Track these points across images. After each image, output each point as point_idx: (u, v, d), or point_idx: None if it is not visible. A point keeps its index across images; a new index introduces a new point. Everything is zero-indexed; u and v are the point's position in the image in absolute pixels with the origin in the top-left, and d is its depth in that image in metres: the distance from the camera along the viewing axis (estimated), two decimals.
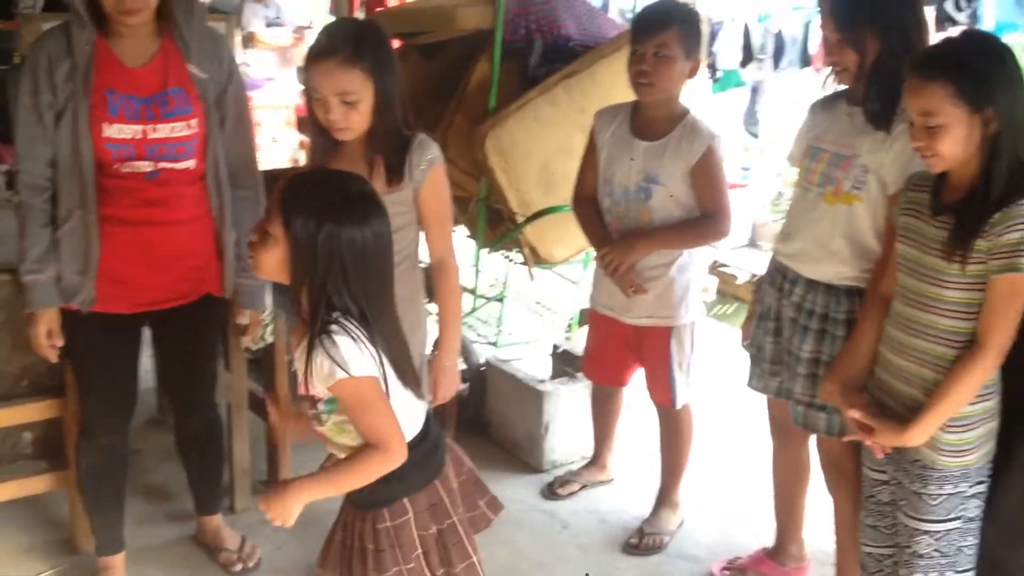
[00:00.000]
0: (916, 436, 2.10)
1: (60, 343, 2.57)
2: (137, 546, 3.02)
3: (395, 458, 1.89)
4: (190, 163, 2.57)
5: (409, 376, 1.97)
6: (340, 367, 1.80)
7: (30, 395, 2.84)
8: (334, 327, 1.82)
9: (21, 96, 2.47)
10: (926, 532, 2.16)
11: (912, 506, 2.17)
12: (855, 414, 2.19)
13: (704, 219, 2.93)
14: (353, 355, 1.82)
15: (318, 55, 2.31)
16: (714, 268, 5.92)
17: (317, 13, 9.26)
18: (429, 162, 2.43)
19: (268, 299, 3.07)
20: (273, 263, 1.87)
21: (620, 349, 3.17)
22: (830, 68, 2.52)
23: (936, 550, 2.16)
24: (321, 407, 1.91)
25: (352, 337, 1.82)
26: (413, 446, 1.97)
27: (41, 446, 2.95)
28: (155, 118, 2.50)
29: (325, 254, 1.80)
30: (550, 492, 3.48)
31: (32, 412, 2.86)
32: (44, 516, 3.19)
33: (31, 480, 2.92)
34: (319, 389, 1.87)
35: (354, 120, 2.34)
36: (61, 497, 3.09)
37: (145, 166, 2.51)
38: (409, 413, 1.98)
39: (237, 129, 2.70)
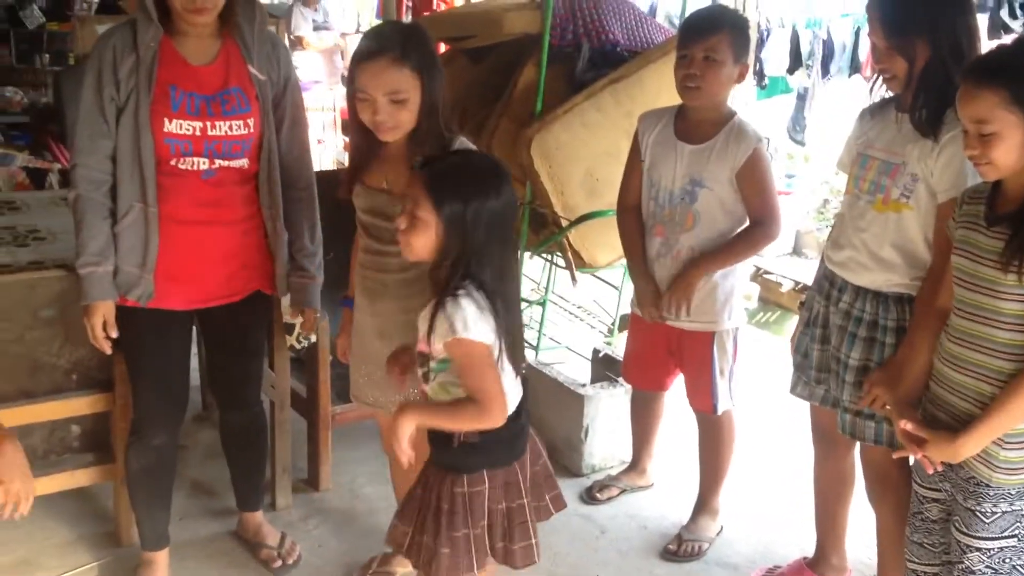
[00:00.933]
0: (968, 449, 2.06)
1: (115, 335, 2.61)
2: (179, 541, 3.05)
3: (493, 418, 2.04)
4: (244, 162, 2.62)
5: (518, 351, 2.14)
6: (460, 327, 1.96)
7: (79, 389, 2.88)
8: (461, 292, 1.99)
9: (84, 91, 2.51)
10: (979, 549, 2.11)
11: (965, 523, 2.13)
12: (907, 425, 2.16)
13: (752, 228, 2.92)
14: (474, 319, 1.98)
15: (366, 56, 2.34)
16: (757, 275, 5.87)
17: (364, 17, 9.35)
18: None
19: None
20: (426, 245, 2.04)
21: (661, 354, 3.15)
22: (879, 75, 2.50)
23: (988, 567, 2.12)
24: (433, 364, 2.06)
25: (476, 302, 1.99)
26: (505, 424, 2.09)
27: (89, 439, 3.00)
28: (214, 115, 2.55)
29: (472, 228, 1.99)
30: (589, 496, 3.47)
31: (81, 406, 2.90)
32: (90, 509, 3.23)
33: (78, 473, 2.97)
34: (437, 346, 2.02)
35: (402, 119, 2.36)
36: (107, 490, 3.14)
37: (202, 162, 2.56)
38: (510, 388, 2.11)
39: (293, 131, 2.75)
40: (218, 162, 2.57)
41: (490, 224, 2.00)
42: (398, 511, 2.25)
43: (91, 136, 2.52)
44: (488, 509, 2.13)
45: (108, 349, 2.63)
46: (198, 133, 2.53)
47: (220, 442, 3.07)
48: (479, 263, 2.01)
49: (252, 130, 2.60)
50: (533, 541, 2.19)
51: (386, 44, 2.32)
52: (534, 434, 2.26)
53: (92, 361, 2.86)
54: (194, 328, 2.88)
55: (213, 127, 2.55)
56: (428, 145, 2.39)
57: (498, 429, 2.07)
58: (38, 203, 3.54)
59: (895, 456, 2.30)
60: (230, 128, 2.56)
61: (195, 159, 2.54)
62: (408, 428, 2.05)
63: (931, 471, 2.18)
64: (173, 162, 2.53)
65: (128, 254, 2.56)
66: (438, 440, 2.14)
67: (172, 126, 2.51)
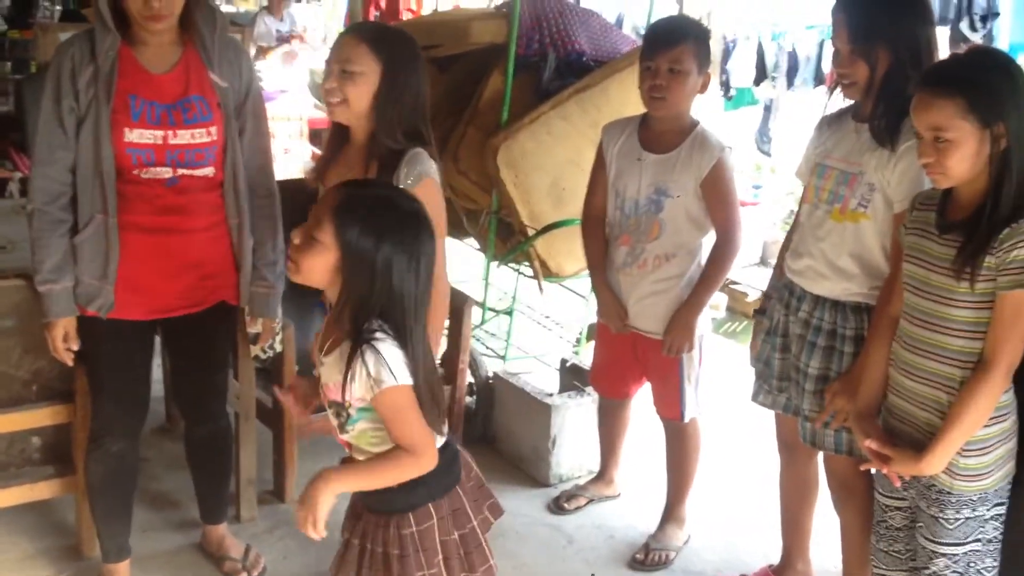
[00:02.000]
0: (933, 465, 2.07)
1: (76, 347, 2.58)
2: (142, 553, 3.02)
3: (426, 464, 1.94)
4: (209, 170, 2.59)
5: (435, 388, 1.99)
6: (387, 377, 1.84)
7: (39, 400, 2.84)
8: (379, 335, 1.86)
9: (44, 101, 2.48)
10: (944, 555, 2.13)
11: (930, 530, 2.15)
12: (871, 444, 2.16)
13: (719, 246, 2.95)
14: (398, 364, 1.86)
15: (340, 35, 2.39)
16: (724, 286, 5.90)
17: (332, 28, 9.32)
18: (417, 176, 2.36)
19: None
20: (318, 269, 1.90)
21: (627, 361, 3.16)
22: (838, 82, 2.52)
23: (955, 572, 2.14)
24: (352, 412, 1.93)
25: (397, 345, 1.87)
26: (439, 452, 1.99)
27: (49, 451, 2.96)
28: (176, 124, 2.52)
29: (383, 271, 1.85)
30: (556, 506, 3.47)
31: (41, 417, 2.86)
32: (51, 522, 3.19)
33: (38, 485, 2.93)
34: (357, 396, 1.89)
35: (349, 92, 2.35)
36: (68, 503, 3.10)
37: (165, 172, 2.53)
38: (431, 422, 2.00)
39: (255, 139, 2.73)
40: (181, 171, 2.54)
41: (403, 272, 1.87)
42: (332, 568, 2.10)
43: (50, 147, 2.50)
44: (441, 542, 2.01)
45: (70, 361, 2.61)
46: (159, 142, 2.50)
47: (184, 454, 3.03)
48: (388, 307, 1.87)
49: (215, 138, 2.58)
50: (492, 563, 2.11)
51: (361, 27, 2.38)
52: (461, 449, 2.16)
53: (52, 372, 2.82)
54: (157, 339, 2.84)
55: (175, 136, 2.52)
56: (383, 150, 2.37)
57: (437, 455, 1.97)
58: None
59: (861, 468, 2.30)
60: (192, 136, 2.54)
61: (157, 169, 2.52)
62: (328, 501, 1.88)
63: (898, 485, 2.18)
64: (136, 171, 2.50)
65: (88, 265, 2.53)
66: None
67: (133, 135, 2.48)
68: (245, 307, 2.89)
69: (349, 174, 2.40)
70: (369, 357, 1.84)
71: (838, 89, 2.54)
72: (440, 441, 2.02)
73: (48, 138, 2.50)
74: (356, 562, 2.05)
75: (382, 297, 1.87)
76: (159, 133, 2.50)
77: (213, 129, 2.58)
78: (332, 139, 2.53)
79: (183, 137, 2.53)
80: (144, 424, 2.84)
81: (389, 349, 1.86)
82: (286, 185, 2.91)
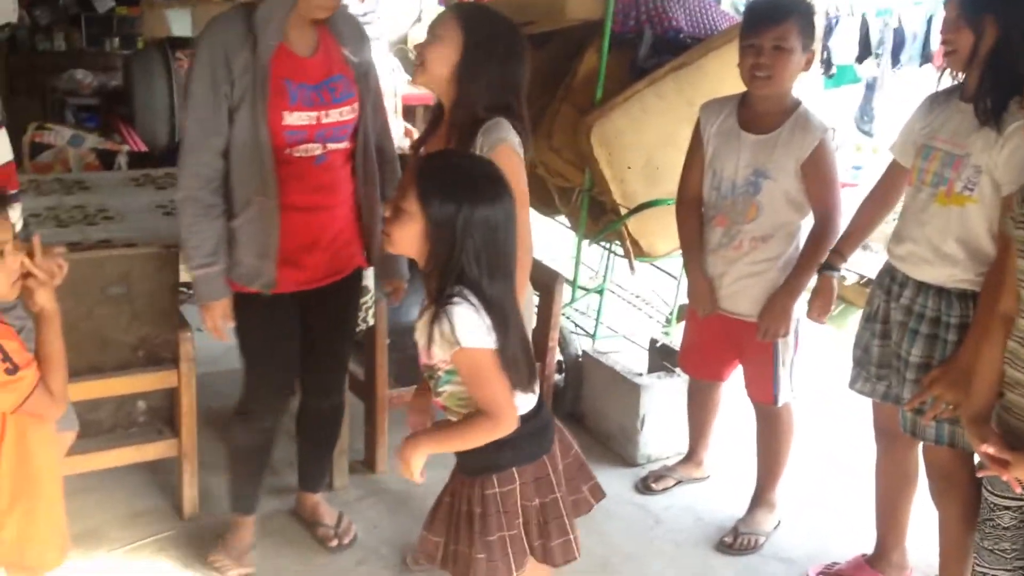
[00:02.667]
0: None
1: (232, 325, 2.69)
2: None
3: (504, 427, 1.99)
4: (346, 144, 2.69)
5: (523, 353, 2.05)
6: (460, 338, 1.91)
7: (146, 365, 2.95)
8: (457, 299, 1.92)
9: (195, 86, 2.51)
10: None
11: None
12: (988, 449, 2.07)
13: (817, 229, 2.88)
14: (474, 327, 1.92)
15: None
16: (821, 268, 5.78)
17: (427, 4, 9.37)
18: (492, 143, 2.35)
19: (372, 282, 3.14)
20: (407, 238, 1.97)
21: (720, 344, 3.12)
22: (944, 53, 2.43)
23: None
24: (441, 375, 2.01)
25: (474, 309, 1.93)
26: (527, 419, 2.06)
27: (154, 415, 3.08)
28: (326, 104, 2.61)
29: (461, 233, 1.91)
30: (644, 486, 3.46)
31: (147, 382, 2.97)
32: (154, 482, 3.31)
33: (143, 447, 3.04)
34: (440, 357, 1.97)
35: (429, 56, 2.38)
36: (170, 465, 3.21)
37: (315, 148, 2.61)
38: (519, 398, 2.04)
39: (378, 107, 2.83)
40: (329, 146, 2.64)
41: (483, 232, 1.93)
42: (426, 522, 2.20)
43: (203, 133, 2.53)
44: (521, 507, 2.08)
45: (227, 339, 2.71)
46: (313, 123, 2.59)
47: (295, 423, 3.10)
48: (470, 270, 1.93)
49: (356, 113, 2.68)
50: (572, 536, 2.14)
51: (456, 5, 2.42)
52: (561, 427, 2.22)
53: (158, 338, 2.93)
54: None
55: (327, 115, 2.61)
56: (462, 119, 2.39)
57: (522, 424, 2.03)
58: (108, 183, 3.62)
59: (979, 475, 2.21)
60: (340, 114, 2.63)
61: (308, 146, 2.60)
62: (420, 459, 2.05)
63: (1019, 491, 2.09)
64: (288, 151, 2.58)
65: (249, 246, 2.61)
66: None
67: (292, 118, 2.55)
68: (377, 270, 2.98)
69: (438, 146, 2.45)
70: (445, 320, 1.92)
71: (943, 63, 2.45)
72: (529, 403, 2.07)
73: (201, 124, 2.53)
74: (446, 518, 2.14)
75: (463, 261, 1.93)
76: (313, 114, 2.58)
77: (355, 105, 2.67)
78: (432, 114, 2.57)
79: (333, 116, 2.62)
80: (291, 398, 2.95)
81: (464, 312, 1.92)
82: None
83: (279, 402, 2.88)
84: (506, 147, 2.35)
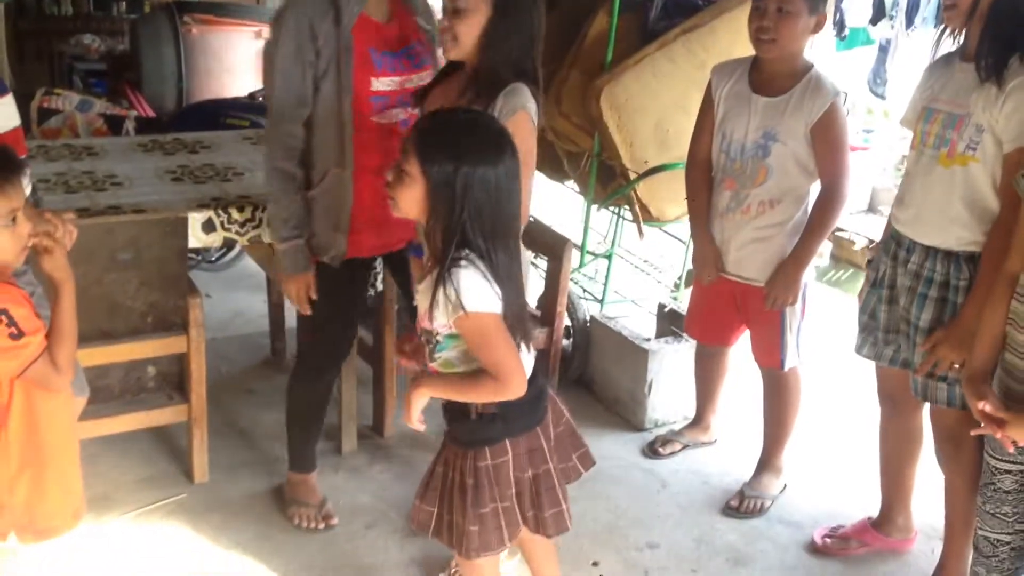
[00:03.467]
0: None
1: (315, 297, 2.73)
2: (251, 486, 3.16)
3: (512, 391, 1.98)
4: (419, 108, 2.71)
5: (523, 318, 2.04)
6: (468, 302, 1.88)
7: (155, 331, 2.96)
8: (463, 262, 1.90)
9: (279, 59, 2.53)
10: None
11: None
12: (986, 407, 2.07)
13: (825, 195, 2.86)
14: (481, 290, 1.90)
15: None
16: (831, 234, 5.75)
17: None
18: (512, 108, 2.33)
19: None
20: (411, 200, 1.95)
21: (727, 308, 3.12)
22: (943, 3, 2.42)
23: None
24: (439, 339, 1.99)
25: (481, 273, 1.90)
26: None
27: (164, 380, 3.10)
28: (407, 70, 2.66)
29: (462, 193, 1.88)
30: (651, 451, 3.48)
31: (157, 347, 2.99)
32: (164, 447, 3.34)
33: (153, 412, 3.07)
34: (441, 322, 1.95)
35: (459, 30, 2.34)
36: (180, 430, 3.24)
37: (400, 114, 2.66)
38: (522, 353, 2.04)
39: None
40: (410, 111, 2.67)
41: (485, 191, 1.89)
42: (419, 492, 2.20)
43: (291, 103, 2.56)
44: (514, 478, 2.08)
45: (309, 310, 2.74)
46: (397, 88, 2.64)
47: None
48: (473, 232, 1.90)
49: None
50: (564, 507, 2.15)
51: None
52: (552, 394, 2.21)
53: (168, 304, 2.94)
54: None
55: (409, 80, 2.66)
56: (484, 84, 2.36)
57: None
58: (116, 149, 3.62)
59: (973, 434, 2.20)
60: (420, 79, 2.67)
61: (391, 111, 2.65)
62: (422, 401, 2.05)
63: (1012, 450, 2.10)
64: (373, 118, 2.62)
65: (323, 217, 2.65)
66: (454, 415, 2.10)
67: (379, 84, 2.61)
68: None
69: (446, 101, 2.41)
70: (451, 283, 1.89)
71: (945, 32, 2.43)
72: (528, 369, 2.05)
73: (287, 95, 2.56)
74: (439, 488, 2.14)
75: (465, 221, 1.90)
76: (397, 79, 2.63)
77: (433, 71, 2.69)
78: (441, 70, 2.56)
79: (415, 80, 2.66)
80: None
81: (471, 275, 1.89)
82: None
83: (339, 360, 3.00)
84: (524, 114, 2.35)
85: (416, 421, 2.06)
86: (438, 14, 2.59)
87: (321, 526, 2.97)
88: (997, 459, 2.19)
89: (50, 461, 2.07)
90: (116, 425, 3.00)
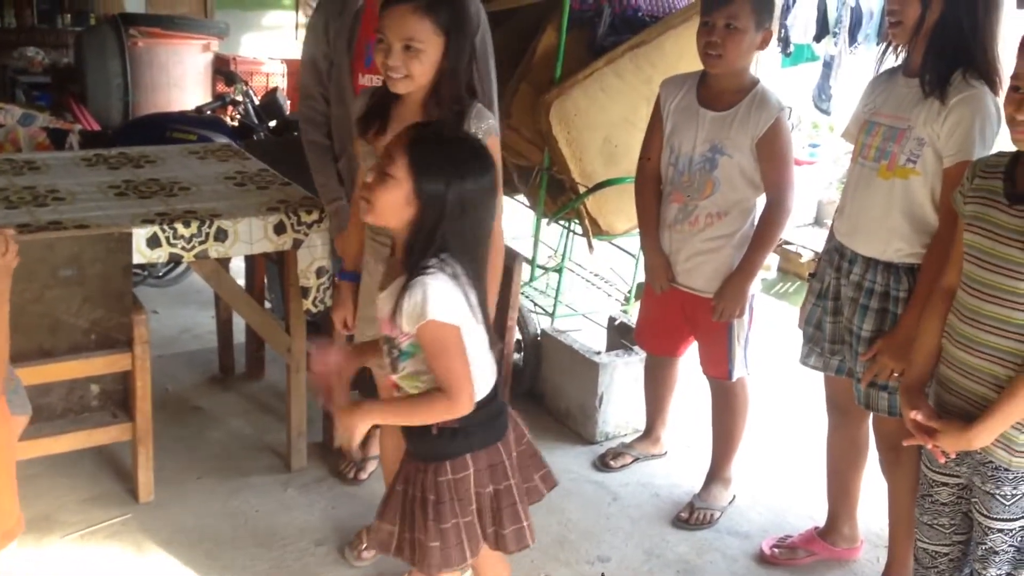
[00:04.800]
0: (982, 439, 2.01)
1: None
2: (197, 498, 3.11)
3: (460, 407, 1.97)
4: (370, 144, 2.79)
5: (487, 328, 2.05)
6: (432, 309, 1.88)
7: (98, 348, 2.91)
8: (432, 270, 1.90)
9: (304, 48, 3.03)
10: (1000, 531, 2.09)
11: (985, 506, 2.09)
12: (917, 416, 2.10)
13: (771, 208, 2.90)
14: (448, 300, 1.90)
15: (392, 1, 2.32)
16: (777, 246, 5.83)
17: None
18: (485, 131, 2.39)
19: (329, 263, 3.12)
20: (390, 204, 1.94)
21: (675, 319, 3.14)
22: (888, 25, 2.47)
23: (1011, 546, 2.09)
24: (404, 346, 1.98)
25: (452, 282, 1.91)
26: (482, 406, 2.04)
27: (107, 398, 3.04)
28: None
29: (451, 205, 1.91)
30: (602, 464, 3.49)
31: (100, 365, 2.93)
32: (108, 467, 3.27)
33: (96, 431, 3.00)
34: (404, 329, 1.94)
35: (414, 70, 2.33)
36: (124, 449, 3.18)
37: None
38: (485, 368, 2.05)
39: None
40: None
41: (470, 205, 1.93)
42: (379, 511, 2.17)
43: (312, 83, 2.97)
44: (475, 493, 2.07)
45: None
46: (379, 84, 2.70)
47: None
48: (453, 242, 1.93)
49: None
50: (525, 524, 2.14)
51: None
52: (515, 415, 2.21)
53: (111, 321, 2.89)
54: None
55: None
56: (447, 108, 2.37)
57: (477, 410, 2.02)
58: (59, 163, 3.56)
59: (905, 444, 2.22)
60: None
61: None
62: (364, 427, 1.99)
63: (943, 460, 2.12)
64: None
65: (350, 187, 2.89)
66: (415, 432, 2.07)
67: (364, 80, 2.79)
68: (297, 259, 2.95)
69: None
70: (419, 288, 1.89)
71: (888, 49, 2.49)
72: (486, 388, 2.05)
73: (308, 77, 2.98)
74: (399, 506, 2.11)
75: (448, 233, 1.92)
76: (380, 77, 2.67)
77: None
78: (379, 99, 2.48)
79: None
80: None
81: (440, 284, 1.90)
82: None
83: None
84: (495, 138, 2.43)
85: (356, 447, 2.02)
86: None
87: (363, 476, 3.26)
88: (933, 471, 2.21)
89: None
90: (59, 444, 2.94)
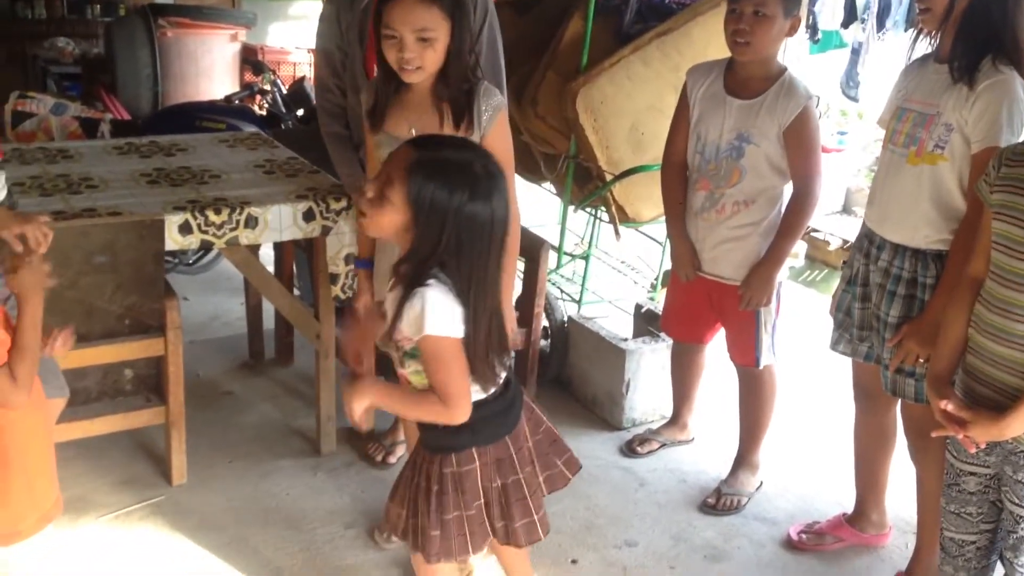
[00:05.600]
0: (1013, 428, 1.99)
1: None
2: (229, 479, 3.16)
3: (455, 416, 1.97)
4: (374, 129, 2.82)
5: (496, 343, 2.01)
6: (429, 324, 1.87)
7: (132, 333, 2.95)
8: (432, 281, 1.88)
9: (318, 40, 3.06)
10: None
11: (1017, 494, 2.08)
12: (948, 406, 2.08)
13: (797, 197, 2.89)
14: (444, 314, 1.88)
15: None
16: (805, 233, 5.80)
17: None
18: (495, 108, 2.44)
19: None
20: (387, 226, 1.92)
21: (702, 307, 3.15)
22: (918, 12, 2.46)
23: None
24: (407, 348, 1.98)
25: (448, 295, 1.88)
26: (490, 401, 2.05)
27: (141, 383, 3.09)
28: None
29: (450, 230, 1.86)
30: (629, 450, 3.50)
31: (134, 350, 2.98)
32: (142, 450, 3.33)
33: (130, 415, 3.05)
34: (404, 335, 1.94)
35: (428, 59, 2.36)
36: (158, 433, 3.23)
37: None
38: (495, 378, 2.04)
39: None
40: None
41: (472, 229, 1.87)
42: (391, 493, 2.20)
43: (327, 75, 3.03)
44: (482, 488, 2.07)
45: None
46: None
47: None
48: (451, 261, 1.89)
49: None
50: (535, 517, 2.13)
51: None
52: (530, 402, 2.20)
53: (144, 307, 2.93)
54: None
55: None
56: (455, 89, 2.41)
57: (486, 405, 2.02)
58: (91, 152, 3.60)
59: (934, 435, 2.19)
60: None
61: None
62: (362, 404, 1.98)
63: (973, 451, 2.11)
64: None
65: (368, 175, 2.86)
66: (424, 422, 2.08)
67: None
68: (325, 246, 2.98)
69: (418, 119, 2.43)
70: (417, 301, 1.88)
71: (920, 36, 2.48)
72: (483, 395, 2.05)
73: (323, 70, 3.04)
74: (406, 491, 2.14)
75: (448, 252, 1.88)
76: None
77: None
78: (385, 89, 2.48)
79: None
80: None
81: (439, 298, 1.88)
82: None
83: None
84: (505, 112, 2.46)
85: (359, 420, 2.00)
86: None
87: (392, 460, 3.29)
88: (961, 461, 2.20)
89: (13, 466, 2.05)
90: (94, 427, 2.99)
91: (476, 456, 2.06)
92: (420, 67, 2.36)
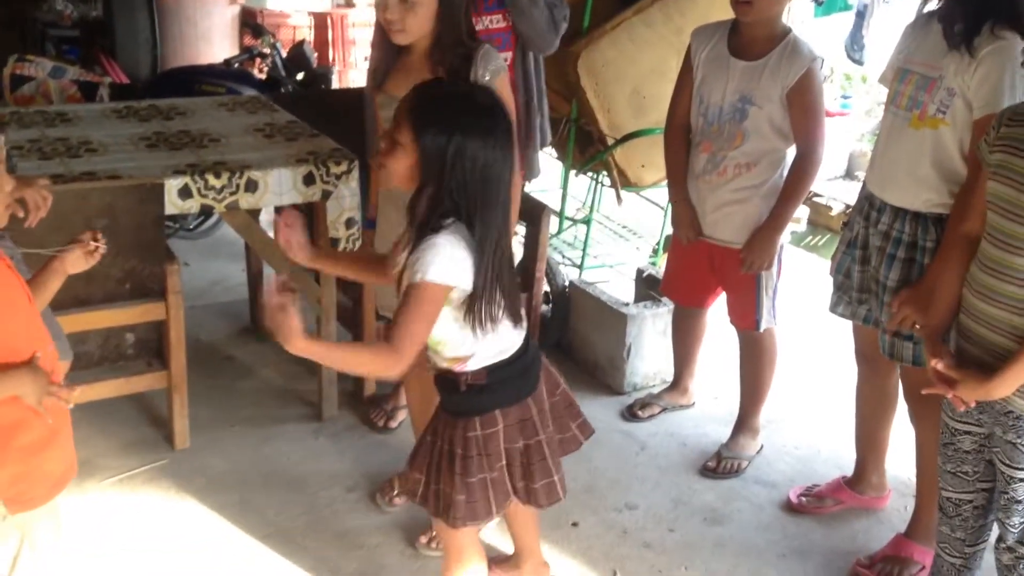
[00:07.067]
0: (1001, 389, 2.00)
1: None
2: (231, 446, 3.17)
3: (392, 365, 1.88)
4: (508, 54, 2.84)
5: (509, 290, 2.01)
6: (426, 270, 1.86)
7: (133, 298, 2.95)
8: (444, 231, 1.88)
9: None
10: (1023, 480, 2.09)
11: (1008, 455, 2.10)
12: (938, 365, 2.09)
13: (800, 161, 2.87)
14: (445, 261, 1.87)
15: None
16: (807, 198, 5.78)
17: None
18: (494, 72, 2.43)
19: (358, 214, 3.14)
20: (402, 171, 1.93)
21: (703, 270, 3.14)
22: None
23: None
24: None
25: (457, 243, 1.88)
26: (512, 361, 2.05)
27: (143, 347, 3.09)
28: (478, 11, 2.91)
29: (451, 164, 1.86)
30: (630, 414, 3.51)
31: (135, 314, 2.98)
32: (145, 414, 3.34)
33: (132, 379, 3.07)
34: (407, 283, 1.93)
35: (411, 23, 2.37)
36: (159, 396, 3.24)
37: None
38: (505, 331, 2.03)
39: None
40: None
41: (475, 164, 1.87)
42: (409, 459, 2.20)
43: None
44: (504, 449, 2.08)
45: None
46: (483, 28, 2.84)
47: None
48: (459, 202, 1.88)
49: (507, 23, 2.85)
50: (555, 478, 2.14)
51: None
52: (548, 365, 2.21)
53: (144, 271, 2.93)
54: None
55: (478, 22, 2.86)
56: (451, 54, 2.41)
57: (506, 367, 2.02)
58: (90, 116, 3.58)
59: (924, 393, 2.21)
60: (490, 22, 2.88)
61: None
62: (288, 346, 1.83)
63: (963, 409, 2.12)
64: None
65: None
66: (444, 385, 2.08)
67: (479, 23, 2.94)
68: (326, 211, 2.97)
69: (417, 81, 2.41)
70: (422, 246, 1.88)
71: None
72: (516, 343, 2.05)
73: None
74: (428, 456, 2.13)
75: (452, 191, 1.88)
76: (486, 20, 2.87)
77: (504, 15, 3.00)
78: (386, 47, 2.52)
79: (483, 22, 2.96)
80: None
81: (443, 244, 1.87)
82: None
83: None
84: (505, 76, 2.45)
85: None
86: None
87: (393, 424, 3.30)
88: (955, 420, 2.22)
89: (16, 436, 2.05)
90: (96, 392, 3.00)
91: (500, 418, 2.06)
92: (402, 30, 2.38)
